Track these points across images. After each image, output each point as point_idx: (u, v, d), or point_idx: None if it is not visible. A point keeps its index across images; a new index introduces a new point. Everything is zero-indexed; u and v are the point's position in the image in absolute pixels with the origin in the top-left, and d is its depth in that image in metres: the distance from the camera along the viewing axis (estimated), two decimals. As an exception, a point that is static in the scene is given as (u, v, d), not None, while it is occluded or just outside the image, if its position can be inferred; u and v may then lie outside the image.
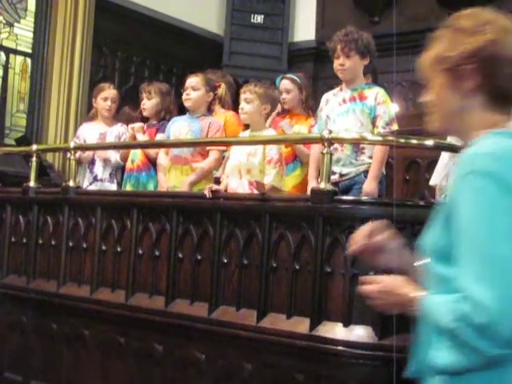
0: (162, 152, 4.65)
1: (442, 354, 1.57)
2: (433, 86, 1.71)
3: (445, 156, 4.61)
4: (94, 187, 5.03)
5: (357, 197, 3.61)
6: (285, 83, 4.88)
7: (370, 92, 4.08)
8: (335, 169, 3.99)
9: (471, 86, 1.65)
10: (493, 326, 1.46)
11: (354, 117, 4.03)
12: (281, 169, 3.95)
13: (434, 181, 4.70)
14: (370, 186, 3.90)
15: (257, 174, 3.91)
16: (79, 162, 4.90)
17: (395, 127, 4.05)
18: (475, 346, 1.48)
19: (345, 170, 4.03)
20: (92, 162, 5.14)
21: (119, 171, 5.14)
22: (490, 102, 1.66)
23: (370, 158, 4.00)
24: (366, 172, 4.00)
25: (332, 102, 4.19)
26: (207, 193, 3.56)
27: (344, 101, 4.12)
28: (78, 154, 4.66)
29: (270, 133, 4.14)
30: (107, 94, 5.23)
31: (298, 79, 4.89)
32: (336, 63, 4.11)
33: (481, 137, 1.64)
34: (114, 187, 5.09)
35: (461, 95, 1.67)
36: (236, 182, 3.98)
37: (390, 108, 4.08)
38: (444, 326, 1.54)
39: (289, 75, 5.02)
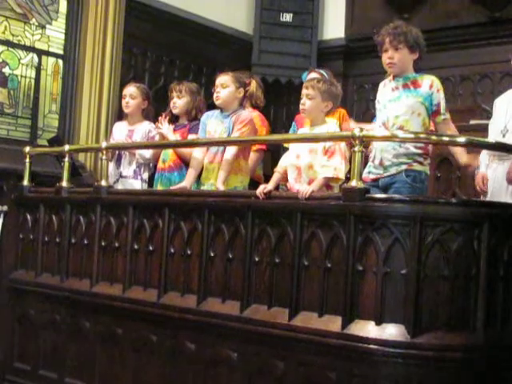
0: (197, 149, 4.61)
1: None
2: None
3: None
4: (120, 185, 5.04)
5: (388, 195, 3.58)
6: (314, 76, 4.89)
7: (424, 80, 3.99)
8: (377, 157, 3.97)
9: None
10: None
11: (407, 103, 3.95)
12: (340, 159, 3.82)
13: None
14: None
15: (319, 169, 3.83)
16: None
17: (448, 115, 4.03)
18: None
19: (386, 162, 3.94)
20: (118, 159, 5.16)
21: (146, 168, 5.14)
22: None
23: (415, 147, 3.90)
24: (407, 171, 3.90)
25: (386, 87, 4.11)
26: (260, 194, 3.50)
27: (397, 87, 4.03)
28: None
29: (330, 127, 4.07)
30: (125, 91, 5.30)
31: (326, 74, 4.91)
32: (384, 57, 4.01)
33: None
34: (137, 184, 5.09)
35: None
36: (294, 180, 3.95)
37: (443, 96, 4.03)
38: None
39: (317, 69, 5.05)
